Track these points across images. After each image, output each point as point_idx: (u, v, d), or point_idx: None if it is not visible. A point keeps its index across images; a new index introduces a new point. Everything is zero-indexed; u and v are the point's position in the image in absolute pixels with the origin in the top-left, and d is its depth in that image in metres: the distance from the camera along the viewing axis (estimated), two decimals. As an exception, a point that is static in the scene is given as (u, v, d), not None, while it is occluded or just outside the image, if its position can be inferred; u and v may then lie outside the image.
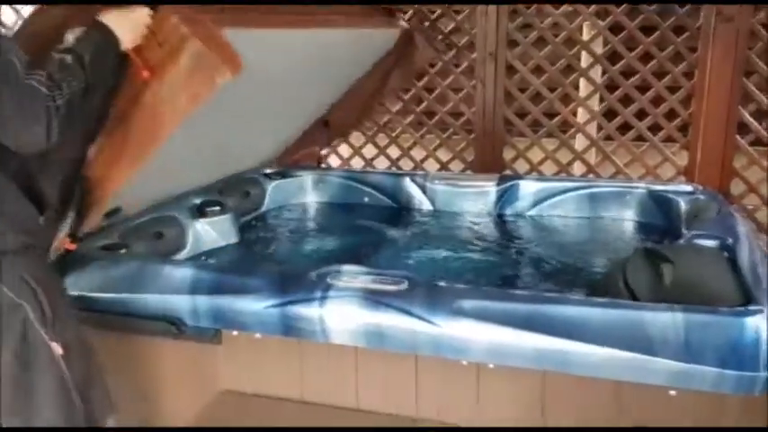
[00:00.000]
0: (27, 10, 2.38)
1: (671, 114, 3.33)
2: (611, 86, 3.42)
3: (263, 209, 3.28)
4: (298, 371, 1.99)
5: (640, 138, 3.40)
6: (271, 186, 3.35)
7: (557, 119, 3.51)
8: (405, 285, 1.86)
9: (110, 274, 2.08)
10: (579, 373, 1.66)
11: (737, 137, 3.18)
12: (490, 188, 3.12)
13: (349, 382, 1.94)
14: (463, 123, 3.70)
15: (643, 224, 2.90)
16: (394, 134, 3.83)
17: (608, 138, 3.51)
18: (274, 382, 2.03)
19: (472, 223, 3.05)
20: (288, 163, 3.51)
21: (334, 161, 3.97)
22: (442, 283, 1.89)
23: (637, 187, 2.96)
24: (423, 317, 1.77)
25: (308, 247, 2.86)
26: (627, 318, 1.66)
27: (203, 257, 2.68)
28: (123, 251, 2.30)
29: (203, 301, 1.99)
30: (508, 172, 3.57)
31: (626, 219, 2.95)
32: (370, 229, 3.06)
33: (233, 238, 2.85)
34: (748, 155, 3.21)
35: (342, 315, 1.83)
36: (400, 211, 3.24)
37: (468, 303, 1.76)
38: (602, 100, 3.50)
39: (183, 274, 2.06)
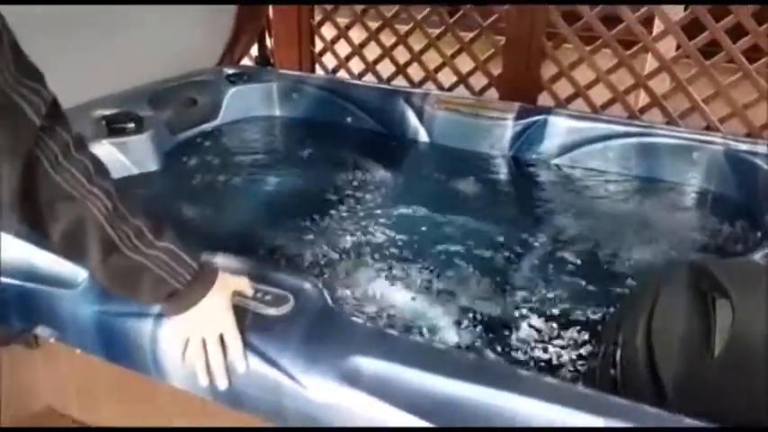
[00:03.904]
0: None
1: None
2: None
3: (217, 123, 2.57)
4: (134, 407, 1.36)
5: (731, 61, 2.43)
6: (230, 93, 2.62)
7: (619, 27, 2.55)
8: (287, 308, 1.16)
9: None
10: None
11: None
12: (507, 121, 2.30)
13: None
14: (492, 23, 2.78)
15: (712, 195, 2.05)
16: (405, 30, 2.94)
17: (686, 57, 2.54)
18: (106, 412, 1.41)
19: (476, 168, 2.26)
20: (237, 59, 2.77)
21: (329, 61, 3.15)
22: (339, 313, 1.18)
23: (710, 142, 2.07)
24: (291, 373, 1.08)
25: (252, 185, 2.18)
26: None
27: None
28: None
29: (13, 286, 1.36)
30: (541, 102, 2.66)
31: (688, 185, 2.10)
32: (344, 163, 2.34)
33: (152, 165, 2.18)
34: None
35: (182, 345, 1.16)
36: (388, 140, 2.47)
37: (366, 363, 1.06)
38: (686, 6, 2.51)
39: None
